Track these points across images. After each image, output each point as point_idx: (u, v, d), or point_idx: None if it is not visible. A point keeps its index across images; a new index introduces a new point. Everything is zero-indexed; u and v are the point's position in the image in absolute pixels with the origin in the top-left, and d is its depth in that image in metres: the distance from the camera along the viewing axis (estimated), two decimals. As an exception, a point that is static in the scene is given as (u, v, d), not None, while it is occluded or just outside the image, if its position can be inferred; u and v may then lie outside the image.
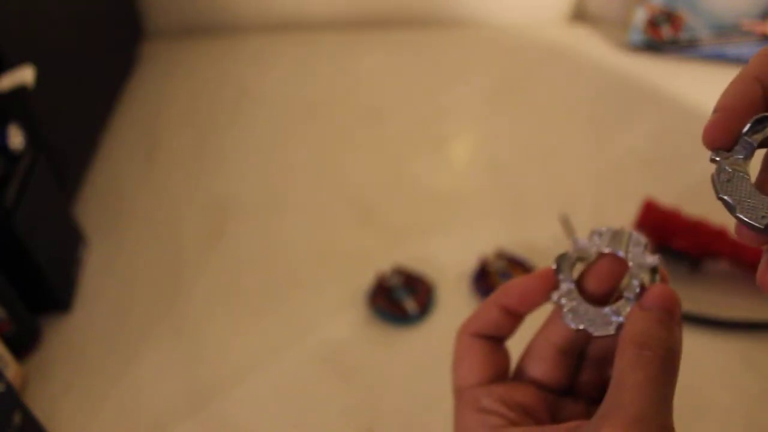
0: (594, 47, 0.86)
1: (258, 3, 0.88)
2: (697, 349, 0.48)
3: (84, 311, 0.52)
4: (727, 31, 0.78)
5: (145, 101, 0.76)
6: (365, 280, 0.52)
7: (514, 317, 0.27)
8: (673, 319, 0.22)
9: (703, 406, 0.45)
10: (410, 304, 0.50)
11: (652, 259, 0.25)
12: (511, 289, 0.26)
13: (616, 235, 0.27)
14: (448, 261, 0.54)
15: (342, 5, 0.89)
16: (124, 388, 0.47)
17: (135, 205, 0.62)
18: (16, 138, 0.45)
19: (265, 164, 0.67)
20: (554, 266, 0.27)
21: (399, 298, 0.50)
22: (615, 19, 0.90)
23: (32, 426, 0.38)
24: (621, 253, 0.26)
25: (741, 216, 0.20)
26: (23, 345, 0.47)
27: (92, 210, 0.60)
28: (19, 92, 0.47)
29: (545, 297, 0.26)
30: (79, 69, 0.61)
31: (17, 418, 0.36)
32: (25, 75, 0.47)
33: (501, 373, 0.26)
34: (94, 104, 0.66)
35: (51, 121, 0.53)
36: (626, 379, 0.20)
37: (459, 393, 0.26)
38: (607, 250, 0.27)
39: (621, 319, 0.25)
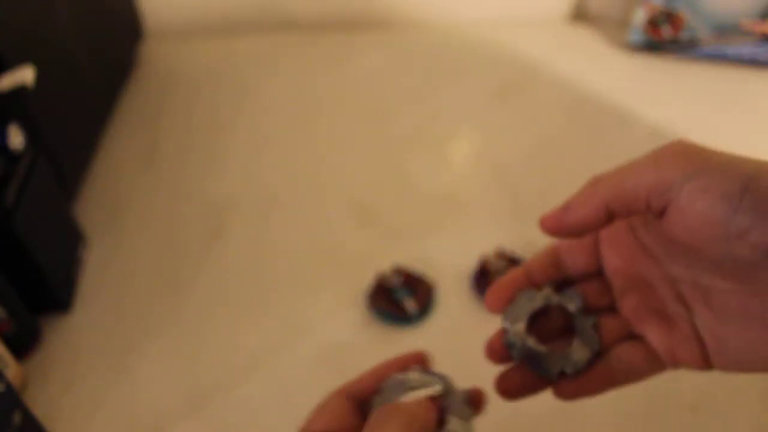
0: (594, 47, 0.86)
1: (258, 3, 0.88)
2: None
3: (84, 311, 0.52)
4: (727, 31, 0.78)
5: (144, 101, 0.76)
6: (365, 280, 0.52)
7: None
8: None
9: (704, 406, 0.45)
10: (410, 304, 0.50)
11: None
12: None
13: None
14: (448, 261, 0.54)
15: (340, 6, 0.89)
16: (124, 388, 0.47)
17: (135, 205, 0.62)
18: (16, 138, 0.45)
19: (265, 164, 0.67)
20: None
21: (399, 298, 0.50)
22: (615, 19, 0.90)
23: (32, 426, 0.38)
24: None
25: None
26: (23, 345, 0.47)
27: (92, 210, 0.60)
28: (19, 92, 0.47)
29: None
30: (79, 69, 0.61)
31: (17, 418, 0.36)
32: (25, 75, 0.47)
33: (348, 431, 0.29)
34: (93, 104, 0.66)
35: (51, 121, 0.53)
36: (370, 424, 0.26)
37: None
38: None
39: None
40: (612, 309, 0.29)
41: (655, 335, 0.27)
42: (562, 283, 0.30)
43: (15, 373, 0.44)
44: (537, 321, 0.30)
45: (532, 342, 0.29)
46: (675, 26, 0.80)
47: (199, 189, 0.64)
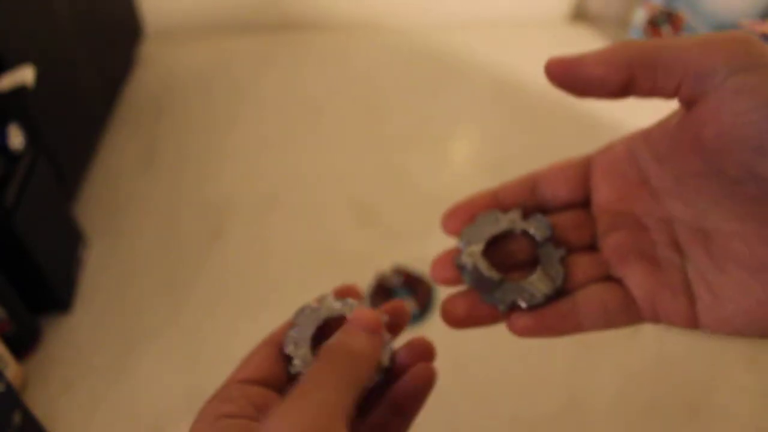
0: (594, 47, 0.86)
1: (258, 3, 0.88)
2: (698, 349, 0.48)
3: (84, 311, 0.52)
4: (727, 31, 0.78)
5: (144, 101, 0.76)
6: (365, 280, 0.52)
7: None
8: (364, 330, 0.25)
9: (704, 406, 0.45)
10: (410, 304, 0.50)
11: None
12: None
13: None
14: (448, 261, 0.54)
15: (341, 6, 0.89)
16: (124, 387, 0.47)
17: (135, 205, 0.62)
18: (16, 138, 0.45)
19: (264, 164, 0.67)
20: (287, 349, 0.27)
21: (399, 299, 0.50)
22: (615, 19, 0.90)
23: (32, 426, 0.38)
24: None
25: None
26: (23, 345, 0.47)
27: (92, 210, 0.60)
28: (19, 92, 0.47)
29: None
30: (79, 69, 0.61)
31: (17, 418, 0.36)
32: (25, 75, 0.47)
33: (271, 381, 0.26)
34: (93, 104, 0.66)
35: (51, 121, 0.53)
36: (312, 367, 0.23)
37: (221, 386, 0.26)
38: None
39: None
40: (591, 248, 0.25)
41: (636, 278, 0.23)
42: (535, 211, 0.26)
43: (15, 373, 0.44)
44: (498, 247, 0.26)
45: (484, 266, 0.25)
46: (675, 26, 0.80)
47: (198, 189, 0.64)
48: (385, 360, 0.27)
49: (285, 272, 0.55)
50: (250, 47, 0.85)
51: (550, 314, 0.24)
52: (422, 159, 0.68)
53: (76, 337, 0.50)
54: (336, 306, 0.28)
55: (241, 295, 0.53)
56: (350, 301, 0.29)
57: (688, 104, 0.22)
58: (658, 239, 0.24)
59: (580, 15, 0.92)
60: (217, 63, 0.83)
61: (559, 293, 0.24)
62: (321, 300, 0.28)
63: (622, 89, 0.23)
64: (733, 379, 0.46)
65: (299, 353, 0.27)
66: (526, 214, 0.26)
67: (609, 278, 0.24)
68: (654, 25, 0.81)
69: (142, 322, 0.51)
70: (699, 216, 0.23)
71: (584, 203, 0.26)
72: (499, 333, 0.50)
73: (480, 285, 0.25)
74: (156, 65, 0.82)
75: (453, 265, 0.26)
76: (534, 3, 0.92)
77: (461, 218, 0.27)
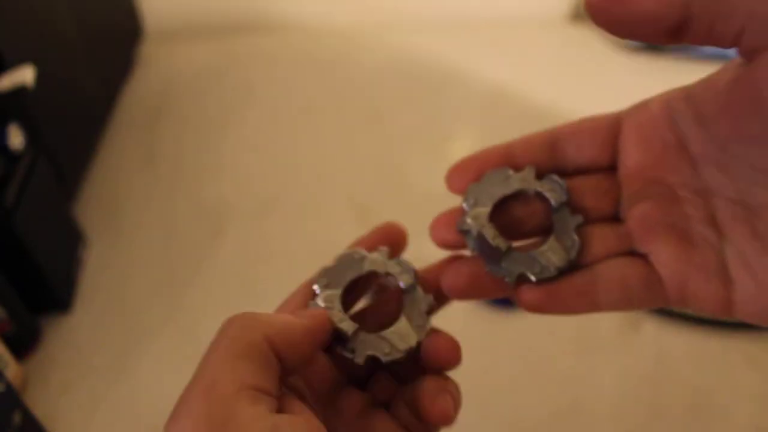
0: (594, 47, 0.86)
1: (258, 3, 0.88)
2: (699, 349, 0.48)
3: (84, 311, 0.52)
4: (727, 31, 0.78)
5: (144, 101, 0.76)
6: (365, 280, 0.52)
7: None
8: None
9: (705, 406, 0.45)
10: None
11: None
12: None
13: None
14: (449, 261, 0.54)
15: (340, 7, 0.89)
16: (124, 387, 0.47)
17: (135, 205, 0.62)
18: (16, 138, 0.45)
19: (264, 164, 0.67)
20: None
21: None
22: (615, 19, 0.90)
23: (32, 426, 0.38)
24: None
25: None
26: (23, 345, 0.47)
27: (92, 210, 0.60)
28: (19, 92, 0.47)
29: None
30: (79, 69, 0.61)
31: (17, 418, 0.36)
32: (25, 75, 0.47)
33: None
34: (93, 104, 0.66)
35: (51, 121, 0.53)
36: None
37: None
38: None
39: (408, 345, 0.24)
40: (614, 219, 0.23)
41: (664, 256, 0.21)
42: (553, 173, 0.23)
43: (15, 373, 0.44)
44: (507, 210, 0.23)
45: (490, 233, 0.22)
46: (675, 26, 0.80)
47: (198, 189, 0.64)
48: (412, 340, 0.24)
49: (285, 272, 0.55)
50: (250, 48, 0.85)
51: (564, 288, 0.22)
52: (422, 160, 0.68)
53: (76, 337, 0.50)
54: (385, 261, 0.26)
55: (240, 295, 0.53)
56: (406, 264, 0.26)
57: (750, 55, 0.18)
58: (692, 213, 0.21)
59: (580, 15, 0.92)
60: (217, 63, 0.83)
61: (573, 266, 0.22)
62: (375, 252, 0.26)
63: (675, 30, 0.19)
64: (733, 379, 0.46)
65: (325, 294, 0.25)
66: (541, 175, 0.23)
67: (632, 254, 0.22)
68: (654, 25, 0.81)
69: (142, 322, 0.51)
70: (744, 189, 0.20)
71: (609, 168, 0.23)
72: (499, 334, 0.50)
73: (485, 254, 0.22)
74: (156, 66, 0.82)
75: (456, 227, 0.23)
76: (534, 3, 0.92)
77: (468, 175, 0.24)
